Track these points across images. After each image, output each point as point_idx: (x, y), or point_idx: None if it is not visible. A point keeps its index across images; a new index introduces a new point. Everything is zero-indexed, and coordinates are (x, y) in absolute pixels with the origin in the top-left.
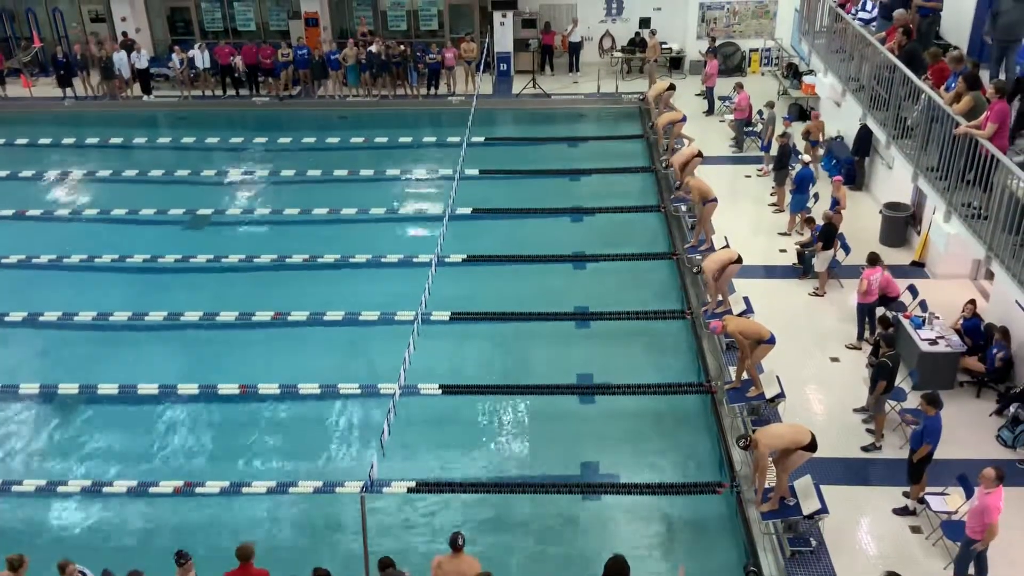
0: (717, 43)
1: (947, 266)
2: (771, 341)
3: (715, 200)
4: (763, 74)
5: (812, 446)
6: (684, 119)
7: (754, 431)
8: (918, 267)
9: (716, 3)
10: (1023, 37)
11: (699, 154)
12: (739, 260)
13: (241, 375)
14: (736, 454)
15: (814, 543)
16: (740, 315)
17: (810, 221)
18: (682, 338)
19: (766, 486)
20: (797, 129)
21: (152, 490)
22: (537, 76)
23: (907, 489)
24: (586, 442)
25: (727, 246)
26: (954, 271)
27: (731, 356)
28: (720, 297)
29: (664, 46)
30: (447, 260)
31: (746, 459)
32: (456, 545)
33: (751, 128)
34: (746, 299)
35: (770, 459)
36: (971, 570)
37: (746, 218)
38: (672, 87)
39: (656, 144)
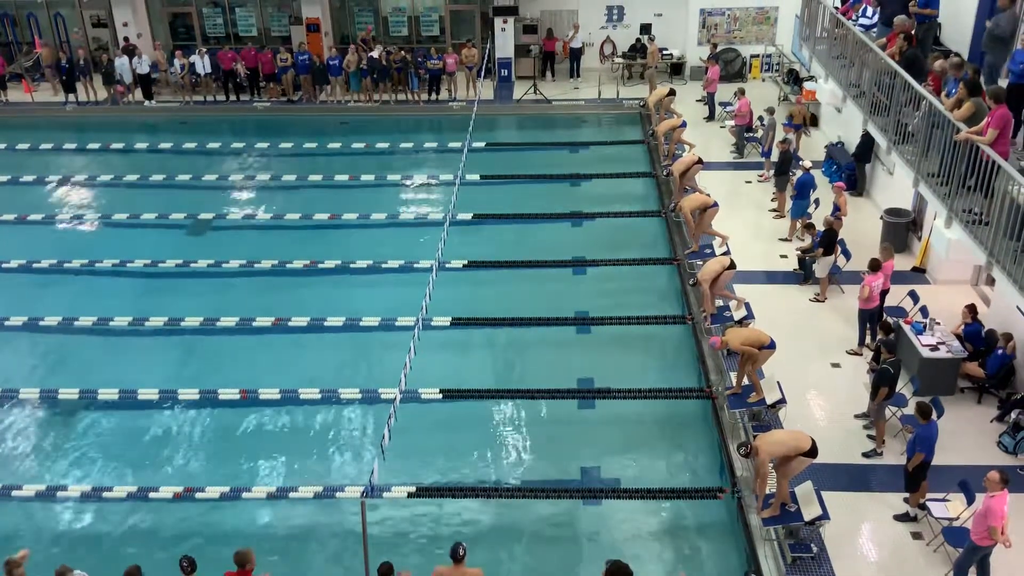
0: (718, 49)
1: (948, 272)
2: (771, 347)
3: (716, 205)
4: (764, 80)
5: (813, 452)
6: (684, 124)
7: (755, 437)
8: (919, 273)
9: (717, 9)
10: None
11: (699, 161)
12: (732, 266)
13: (241, 380)
14: (737, 459)
15: (815, 549)
16: (740, 321)
17: (811, 227)
18: (683, 343)
19: (767, 492)
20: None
21: (152, 495)
22: (538, 82)
23: (908, 495)
24: (586, 447)
25: (728, 252)
26: (955, 277)
27: (731, 362)
28: (721, 302)
29: (665, 52)
30: (448, 265)
31: (747, 464)
32: (457, 556)
33: (752, 134)
34: (747, 305)
35: (771, 465)
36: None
37: (747, 224)
38: (672, 92)
39: (657, 150)
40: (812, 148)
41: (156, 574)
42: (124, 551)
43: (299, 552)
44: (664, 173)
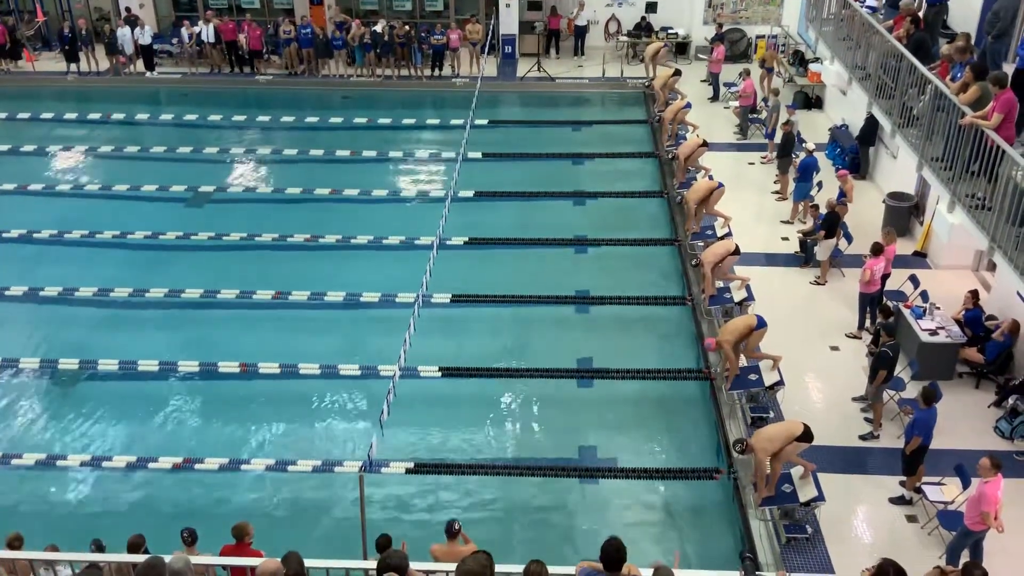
0: (723, 29)
1: (949, 257)
2: (761, 325)
3: (721, 186)
4: None
5: (806, 436)
6: (688, 106)
7: (752, 434)
8: (920, 257)
9: None
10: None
11: (704, 143)
12: (737, 252)
13: (241, 353)
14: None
15: (810, 530)
16: (740, 303)
17: (815, 209)
18: (682, 324)
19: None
20: (803, 117)
21: (151, 466)
22: (542, 59)
23: (904, 478)
24: (584, 426)
25: (730, 233)
26: (956, 262)
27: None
28: (721, 284)
29: (670, 31)
30: (449, 242)
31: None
32: (452, 531)
33: (755, 115)
34: (748, 287)
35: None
36: (965, 558)
37: (749, 205)
38: (677, 73)
39: (661, 131)
40: (816, 130)
41: (154, 544)
42: (122, 520)
43: (297, 525)
44: (669, 156)
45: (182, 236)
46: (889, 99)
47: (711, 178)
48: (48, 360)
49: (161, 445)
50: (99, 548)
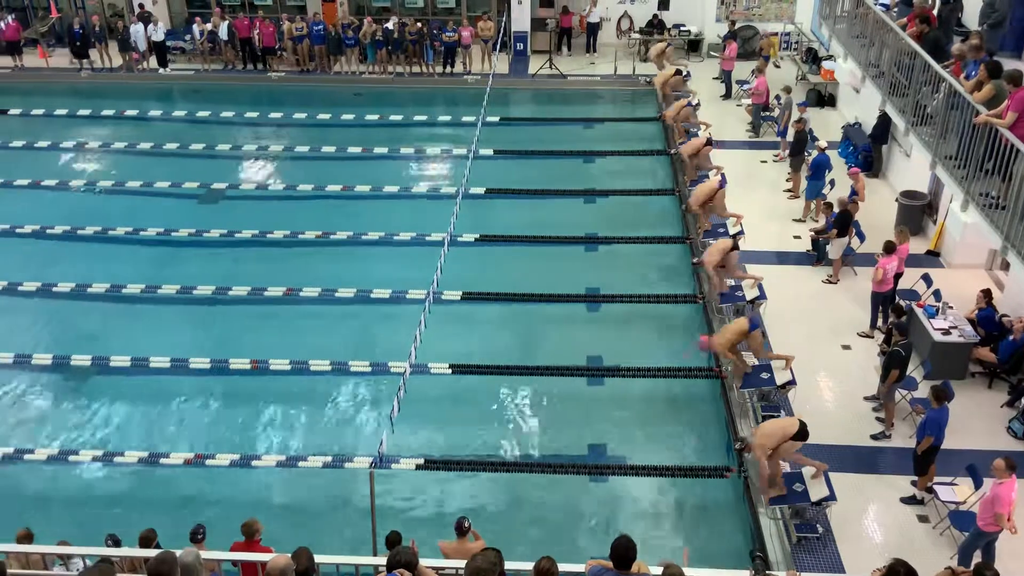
0: (736, 26)
1: (962, 256)
2: (754, 327)
3: (722, 185)
4: (782, 58)
5: (801, 434)
6: (691, 104)
7: (753, 433)
8: (933, 256)
9: None
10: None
11: (709, 143)
12: (735, 247)
13: (252, 350)
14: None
15: (820, 529)
16: (752, 301)
17: (829, 207)
18: (693, 322)
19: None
20: (815, 115)
21: (163, 461)
22: (554, 56)
23: (915, 478)
24: (594, 424)
25: (741, 232)
26: (969, 261)
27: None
28: (733, 282)
29: (682, 29)
30: (459, 239)
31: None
32: (462, 529)
33: (768, 113)
34: (760, 286)
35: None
36: (977, 559)
37: (761, 204)
38: (678, 72)
39: (670, 130)
40: (829, 128)
41: (165, 540)
42: (134, 515)
43: (308, 521)
44: (672, 151)
45: (194, 233)
46: (903, 97)
47: (719, 176)
48: (60, 356)
49: (172, 440)
50: (115, 543)
